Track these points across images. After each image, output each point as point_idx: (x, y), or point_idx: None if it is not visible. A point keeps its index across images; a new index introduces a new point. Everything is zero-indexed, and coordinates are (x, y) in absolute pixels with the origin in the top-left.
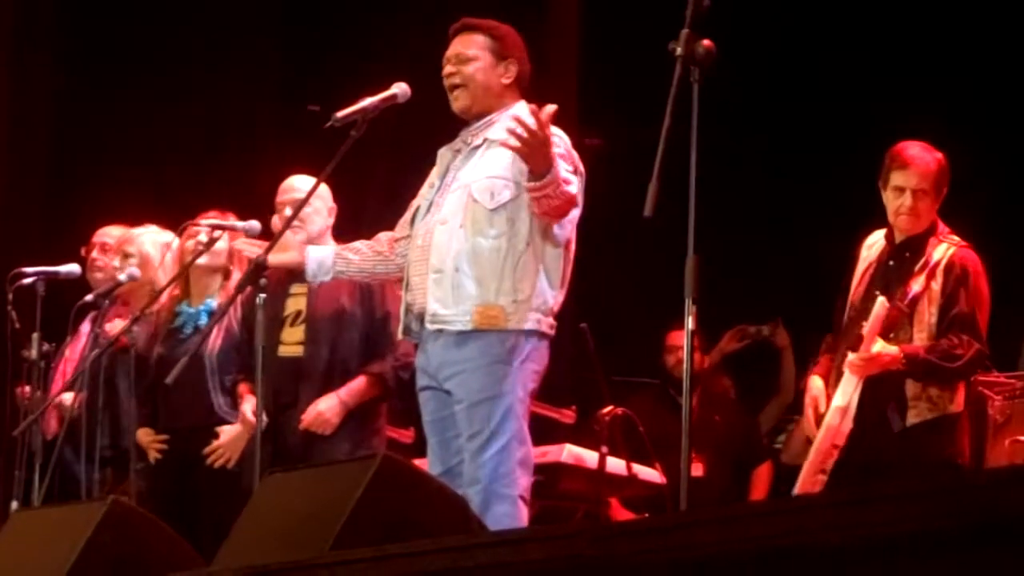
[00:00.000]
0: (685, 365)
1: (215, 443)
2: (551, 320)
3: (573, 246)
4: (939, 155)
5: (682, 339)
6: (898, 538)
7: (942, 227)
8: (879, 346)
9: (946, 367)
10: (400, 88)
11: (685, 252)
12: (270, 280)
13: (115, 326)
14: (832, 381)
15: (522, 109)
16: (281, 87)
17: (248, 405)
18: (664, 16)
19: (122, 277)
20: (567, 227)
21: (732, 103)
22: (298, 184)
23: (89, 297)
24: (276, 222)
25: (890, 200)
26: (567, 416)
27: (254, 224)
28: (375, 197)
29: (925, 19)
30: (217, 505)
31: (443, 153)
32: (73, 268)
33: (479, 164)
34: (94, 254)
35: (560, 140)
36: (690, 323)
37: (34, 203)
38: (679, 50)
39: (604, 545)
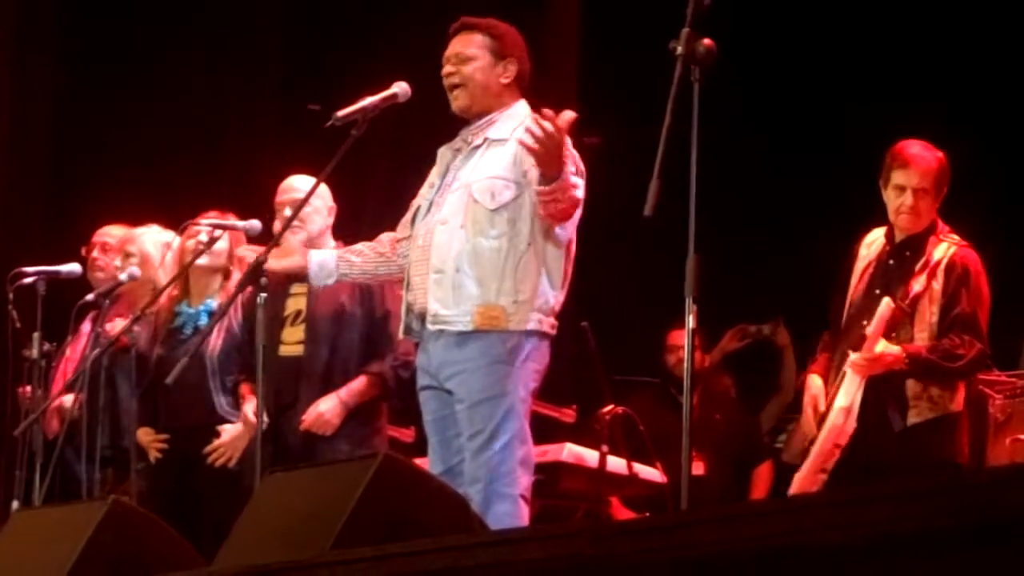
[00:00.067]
0: (686, 364)
1: (216, 442)
2: (552, 320)
3: (574, 245)
4: (940, 154)
5: (683, 338)
6: (899, 537)
7: (942, 226)
8: (882, 346)
9: (948, 367)
10: (400, 87)
11: (685, 251)
12: (270, 280)
13: (115, 326)
14: (831, 379)
15: (523, 109)
16: (281, 87)
17: (250, 406)
18: (664, 15)
19: (123, 277)
20: (569, 227)
21: (732, 103)
22: (297, 184)
23: (90, 296)
24: (279, 228)
25: (891, 199)
26: (568, 415)
27: (255, 224)
28: (375, 196)
29: (925, 19)
30: (218, 505)
31: (443, 152)
32: (74, 267)
33: (480, 164)
34: (95, 253)
35: None
36: (691, 322)
37: (35, 202)
38: (680, 49)
39: (605, 544)
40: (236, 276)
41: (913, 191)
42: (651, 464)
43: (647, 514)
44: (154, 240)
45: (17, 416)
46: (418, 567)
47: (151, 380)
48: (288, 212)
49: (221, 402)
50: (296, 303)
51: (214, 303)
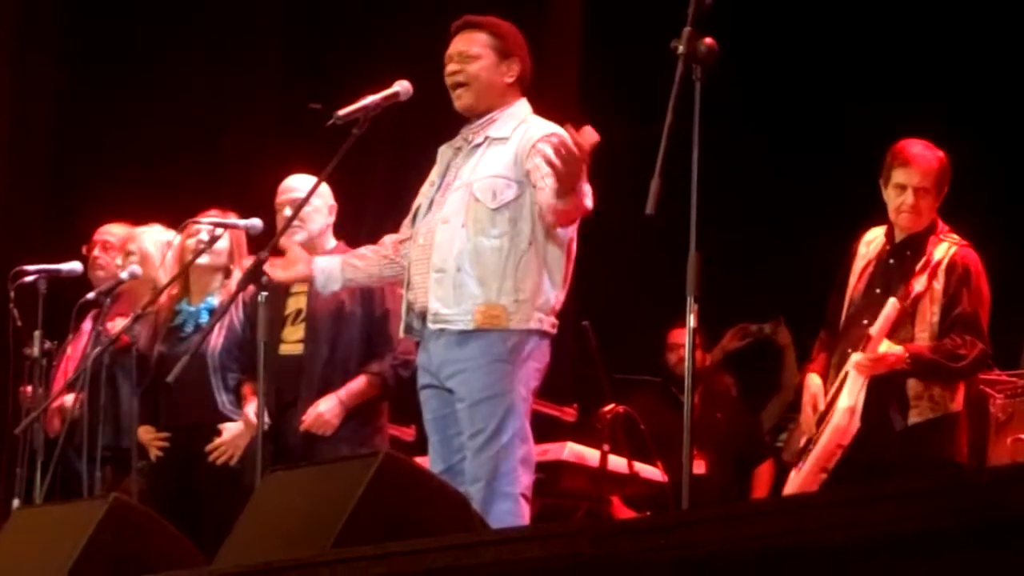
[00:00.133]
0: (687, 363)
1: (217, 440)
2: (553, 319)
3: (575, 244)
4: (941, 154)
5: (683, 337)
6: (900, 537)
7: (942, 226)
8: (885, 346)
9: (951, 367)
10: (402, 86)
11: (686, 250)
12: (271, 278)
13: (116, 325)
14: (830, 378)
15: (524, 108)
16: (282, 86)
17: (251, 407)
18: (665, 14)
19: (124, 275)
20: (570, 227)
21: (732, 103)
22: (297, 184)
23: (91, 295)
24: (284, 242)
25: (891, 197)
26: (569, 414)
27: (256, 222)
28: (376, 195)
29: (924, 19)
30: (219, 503)
31: (443, 151)
32: (75, 266)
33: (481, 163)
34: (96, 252)
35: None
36: (692, 321)
37: (35, 201)
38: (681, 48)
39: (605, 543)
40: (237, 275)
41: (914, 190)
42: (652, 463)
43: (648, 513)
44: (155, 239)
45: (18, 414)
46: (419, 566)
47: (152, 379)
48: (288, 212)
49: (223, 400)
50: (296, 302)
51: (215, 301)
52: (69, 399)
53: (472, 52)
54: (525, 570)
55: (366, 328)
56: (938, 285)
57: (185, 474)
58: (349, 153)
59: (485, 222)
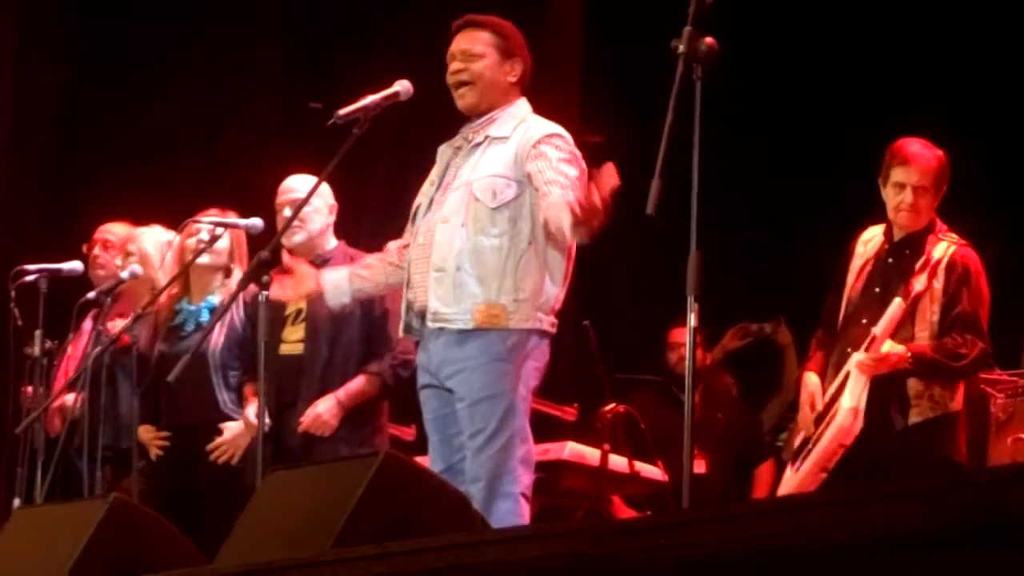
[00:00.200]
0: (687, 362)
1: (218, 439)
2: (552, 318)
3: (575, 244)
4: (939, 152)
5: (684, 336)
6: (900, 537)
7: (940, 224)
8: (887, 346)
9: (952, 366)
10: (402, 86)
11: (686, 250)
12: (272, 278)
13: (116, 325)
14: (828, 377)
15: (524, 107)
16: (282, 86)
17: (252, 409)
18: (666, 14)
19: (124, 274)
20: None
21: (733, 102)
22: (296, 184)
23: (91, 294)
24: (288, 261)
25: (890, 196)
26: (569, 413)
27: (256, 222)
28: (376, 195)
29: (924, 19)
30: (219, 503)
31: (443, 150)
32: (75, 265)
33: (481, 162)
34: (96, 251)
35: (564, 141)
36: (692, 320)
37: (36, 201)
38: (681, 47)
39: (606, 543)
40: (237, 274)
41: (913, 188)
42: (652, 462)
43: (648, 513)
44: (154, 240)
45: (19, 414)
46: (419, 565)
47: (152, 378)
48: (288, 212)
49: (224, 398)
50: (296, 302)
51: (215, 300)
52: (69, 399)
53: (476, 51)
54: (525, 570)
55: (366, 328)
56: (938, 284)
57: (185, 474)
58: (349, 153)
59: (485, 221)
